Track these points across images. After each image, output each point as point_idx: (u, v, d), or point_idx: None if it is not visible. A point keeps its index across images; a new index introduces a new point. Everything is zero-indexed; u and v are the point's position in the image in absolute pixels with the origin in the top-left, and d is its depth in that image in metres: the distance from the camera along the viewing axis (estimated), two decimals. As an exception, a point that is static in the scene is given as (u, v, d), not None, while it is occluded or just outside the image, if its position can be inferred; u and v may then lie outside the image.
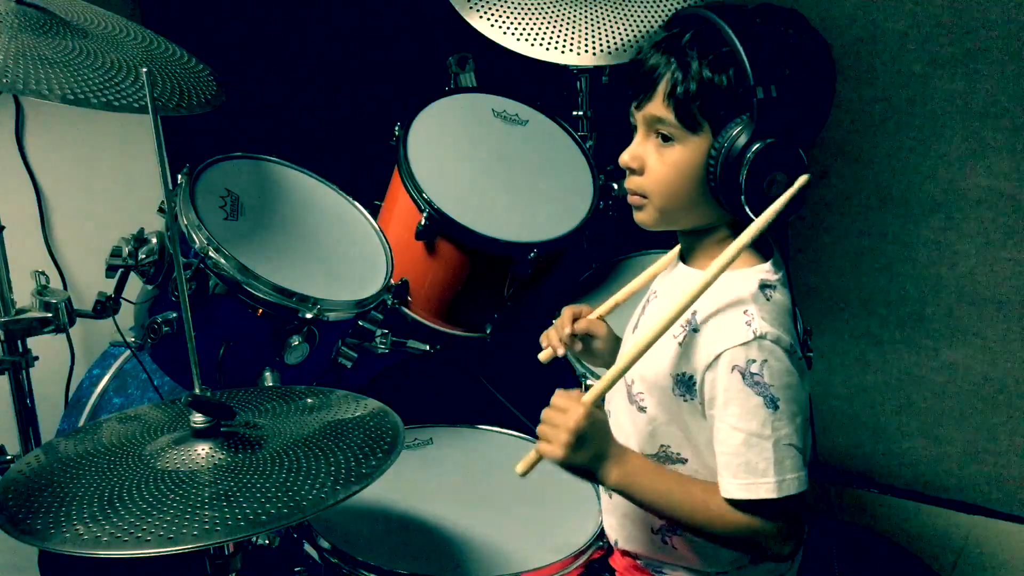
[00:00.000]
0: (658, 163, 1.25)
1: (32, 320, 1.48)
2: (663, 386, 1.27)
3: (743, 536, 1.21)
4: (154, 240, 1.59)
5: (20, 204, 2.10)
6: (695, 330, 1.24)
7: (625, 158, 1.28)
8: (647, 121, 1.25)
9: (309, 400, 1.37)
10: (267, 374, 1.61)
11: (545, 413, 1.21)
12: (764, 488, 1.17)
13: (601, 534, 1.47)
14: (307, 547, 1.45)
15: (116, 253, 1.58)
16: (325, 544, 1.42)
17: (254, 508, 1.07)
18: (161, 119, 1.18)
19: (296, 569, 1.45)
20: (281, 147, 1.83)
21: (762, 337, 1.18)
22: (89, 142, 2.20)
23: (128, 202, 2.20)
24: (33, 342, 1.52)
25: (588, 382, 1.75)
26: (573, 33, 2.01)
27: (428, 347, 1.92)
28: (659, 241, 1.98)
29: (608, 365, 1.48)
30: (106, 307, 1.60)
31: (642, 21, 2.02)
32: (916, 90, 2.19)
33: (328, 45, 2.44)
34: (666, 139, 1.24)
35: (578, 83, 2.11)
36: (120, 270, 1.58)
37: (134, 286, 1.64)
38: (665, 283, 1.39)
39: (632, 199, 1.30)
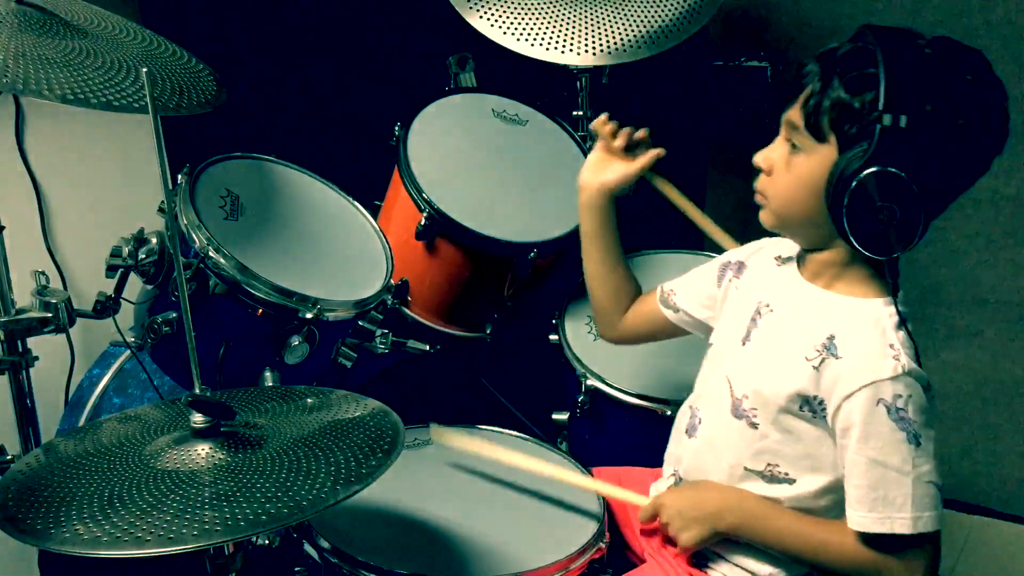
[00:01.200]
0: (783, 168, 1.27)
1: (32, 320, 1.48)
2: (783, 406, 1.27)
3: (869, 571, 1.23)
4: (154, 240, 1.59)
5: (20, 204, 2.10)
6: (835, 356, 1.23)
7: (757, 158, 1.30)
8: (787, 125, 1.26)
9: (309, 400, 1.36)
10: (267, 374, 1.61)
11: (657, 526, 1.39)
12: (900, 523, 1.19)
13: (601, 534, 1.47)
14: (307, 547, 1.44)
15: (116, 253, 1.57)
16: (325, 544, 1.42)
17: (254, 508, 1.07)
18: (161, 119, 1.18)
19: (296, 569, 1.45)
20: (281, 147, 1.83)
21: (909, 373, 1.18)
22: (89, 142, 2.19)
23: (128, 202, 2.20)
24: (33, 342, 1.52)
25: (588, 382, 1.76)
26: (573, 33, 2.00)
27: (428, 347, 1.92)
28: (660, 241, 2.00)
29: (615, 190, 1.54)
30: (106, 307, 1.59)
31: (642, 21, 2.02)
32: (916, 90, 2.19)
33: (328, 45, 2.44)
34: (796, 146, 1.25)
35: (578, 83, 2.10)
36: (120, 270, 1.58)
37: (134, 286, 1.64)
38: (781, 295, 1.36)
39: (756, 197, 1.32)
